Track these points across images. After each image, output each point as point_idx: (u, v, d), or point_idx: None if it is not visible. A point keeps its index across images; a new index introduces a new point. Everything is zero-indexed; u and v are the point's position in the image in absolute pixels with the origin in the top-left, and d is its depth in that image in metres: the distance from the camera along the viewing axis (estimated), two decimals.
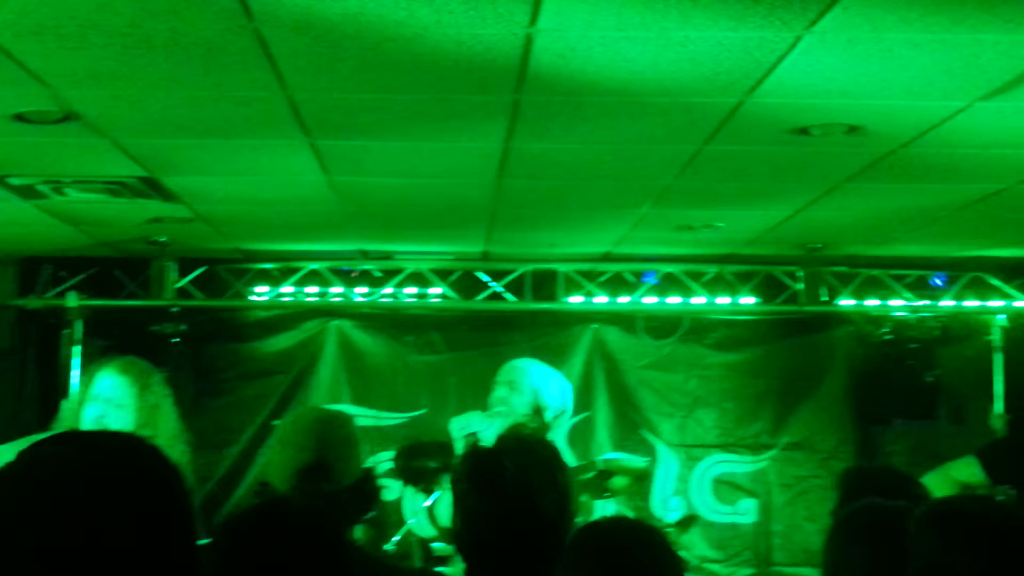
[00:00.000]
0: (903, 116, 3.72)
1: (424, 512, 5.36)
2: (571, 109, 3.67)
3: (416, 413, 6.67)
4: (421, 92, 3.45)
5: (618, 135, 4.01)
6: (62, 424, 4.75)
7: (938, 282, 7.00)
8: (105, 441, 1.26)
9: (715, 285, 6.86)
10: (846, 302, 6.80)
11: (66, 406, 4.85)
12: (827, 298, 6.71)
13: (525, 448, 2.27)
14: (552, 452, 2.29)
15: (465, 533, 2.21)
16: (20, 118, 3.67)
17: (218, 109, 3.65)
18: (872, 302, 6.81)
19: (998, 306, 6.84)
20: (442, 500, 4.95)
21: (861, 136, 3.95)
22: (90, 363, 4.98)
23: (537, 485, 2.20)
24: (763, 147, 4.16)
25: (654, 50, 3.04)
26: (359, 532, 3.87)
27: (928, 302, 6.80)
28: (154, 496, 1.17)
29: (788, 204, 5.26)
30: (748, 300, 6.84)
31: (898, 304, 6.79)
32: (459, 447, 4.77)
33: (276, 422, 6.23)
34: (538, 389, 4.84)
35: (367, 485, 2.88)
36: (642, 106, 3.62)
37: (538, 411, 4.78)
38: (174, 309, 6.33)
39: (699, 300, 6.80)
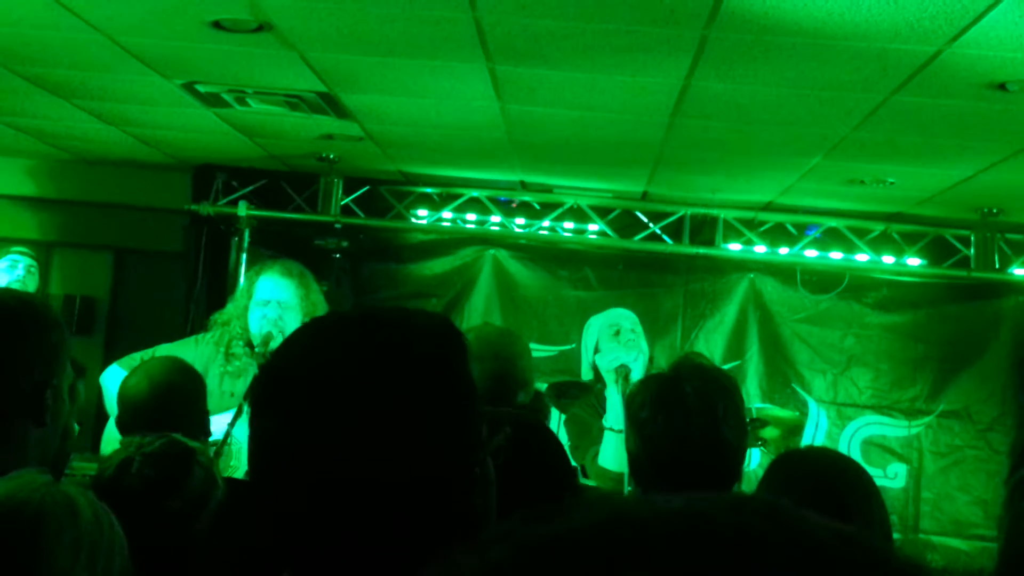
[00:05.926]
0: None
1: (566, 446, 5.42)
2: (758, 49, 3.59)
3: (565, 347, 6.65)
4: (610, 21, 3.42)
5: (802, 79, 3.90)
6: (230, 325, 4.95)
7: None
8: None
9: (880, 243, 6.66)
10: (1020, 271, 6.52)
11: (230, 307, 5.05)
12: (999, 266, 6.45)
13: (706, 375, 2.26)
14: (732, 381, 2.28)
15: (645, 458, 2.21)
16: (217, 25, 3.77)
17: (406, 27, 3.69)
18: None
19: None
20: None
21: None
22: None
23: (720, 410, 2.19)
24: (954, 101, 4.00)
25: None
26: None
27: None
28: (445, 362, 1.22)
29: (970, 164, 5.06)
30: (914, 261, 6.63)
31: None
32: (610, 379, 4.77)
33: None
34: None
35: (541, 404, 2.88)
36: (833, 50, 3.51)
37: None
38: (338, 225, 6.47)
39: (862, 257, 6.62)
